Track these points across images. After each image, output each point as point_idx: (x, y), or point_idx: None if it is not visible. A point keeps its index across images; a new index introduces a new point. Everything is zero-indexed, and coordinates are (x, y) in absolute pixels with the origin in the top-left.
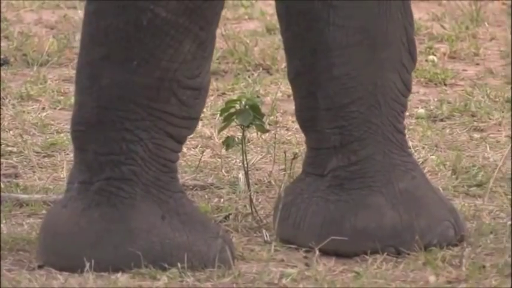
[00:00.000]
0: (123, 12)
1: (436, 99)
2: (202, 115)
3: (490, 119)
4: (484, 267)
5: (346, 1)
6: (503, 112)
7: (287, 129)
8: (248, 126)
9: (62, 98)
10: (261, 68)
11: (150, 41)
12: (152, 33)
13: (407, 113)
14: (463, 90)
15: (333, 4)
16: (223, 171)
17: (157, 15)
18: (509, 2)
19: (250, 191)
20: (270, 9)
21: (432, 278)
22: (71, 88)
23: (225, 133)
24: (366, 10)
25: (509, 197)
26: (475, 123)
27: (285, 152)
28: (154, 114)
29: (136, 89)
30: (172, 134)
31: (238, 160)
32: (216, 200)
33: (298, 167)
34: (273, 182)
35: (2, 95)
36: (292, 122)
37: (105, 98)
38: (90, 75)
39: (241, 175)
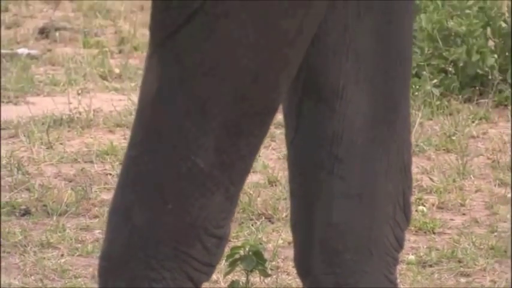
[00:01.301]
0: (164, 159)
1: (425, 247)
2: None
3: (475, 265)
4: None
5: (351, 156)
6: (487, 258)
7: (288, 274)
8: (252, 271)
9: (79, 245)
10: (263, 217)
11: (186, 188)
12: (189, 181)
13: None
14: (450, 238)
15: (338, 156)
16: None
17: (196, 165)
18: (493, 156)
19: None
20: (272, 163)
21: None
22: (88, 236)
23: (230, 277)
24: (368, 166)
25: None
26: (462, 269)
27: None
28: (179, 256)
29: (167, 231)
30: (193, 277)
31: None
32: None
33: None
34: None
35: (24, 242)
36: (293, 267)
37: (136, 236)
38: (125, 215)
39: None
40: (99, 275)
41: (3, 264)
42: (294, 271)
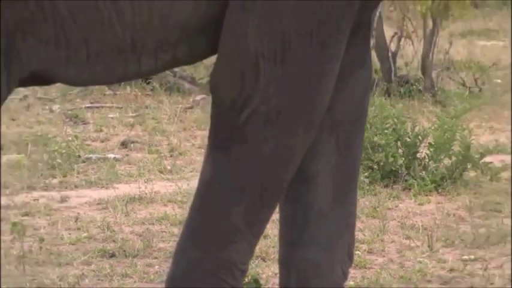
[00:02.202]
0: (213, 219)
1: (360, 276)
2: None
3: None
4: None
5: (319, 219)
6: (398, 284)
7: None
8: None
9: (145, 275)
10: (259, 258)
11: (225, 238)
12: (227, 233)
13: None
14: (375, 271)
15: (311, 218)
16: None
17: (232, 224)
18: (402, 221)
19: None
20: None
21: None
22: (151, 270)
23: None
24: (330, 226)
25: None
26: None
27: None
28: (218, 282)
29: (212, 265)
30: None
31: None
32: None
33: None
34: None
35: (111, 274)
36: None
37: (192, 268)
38: (185, 253)
39: None
40: None
41: None
42: None
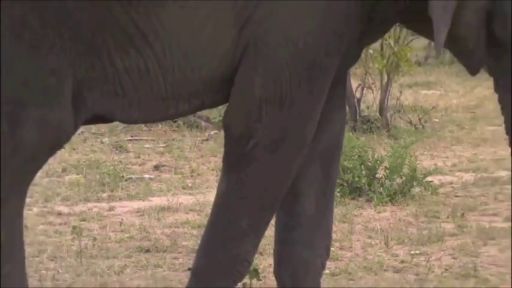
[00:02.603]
0: (225, 225)
1: (334, 267)
2: None
3: (357, 275)
4: None
5: (306, 223)
6: (362, 272)
7: (271, 281)
8: (252, 278)
9: (172, 266)
10: (258, 253)
11: (238, 241)
12: (237, 237)
13: None
14: (345, 263)
15: (300, 222)
16: None
17: (241, 227)
18: (365, 224)
19: None
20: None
21: None
22: (177, 261)
23: (242, 281)
24: (314, 229)
25: None
26: (350, 277)
27: None
28: (233, 273)
29: (228, 261)
30: (236, 281)
31: None
32: None
33: None
34: None
35: (146, 264)
36: (273, 276)
37: (211, 263)
38: (207, 253)
39: None
40: (190, 282)
41: (137, 275)
42: (273, 279)
